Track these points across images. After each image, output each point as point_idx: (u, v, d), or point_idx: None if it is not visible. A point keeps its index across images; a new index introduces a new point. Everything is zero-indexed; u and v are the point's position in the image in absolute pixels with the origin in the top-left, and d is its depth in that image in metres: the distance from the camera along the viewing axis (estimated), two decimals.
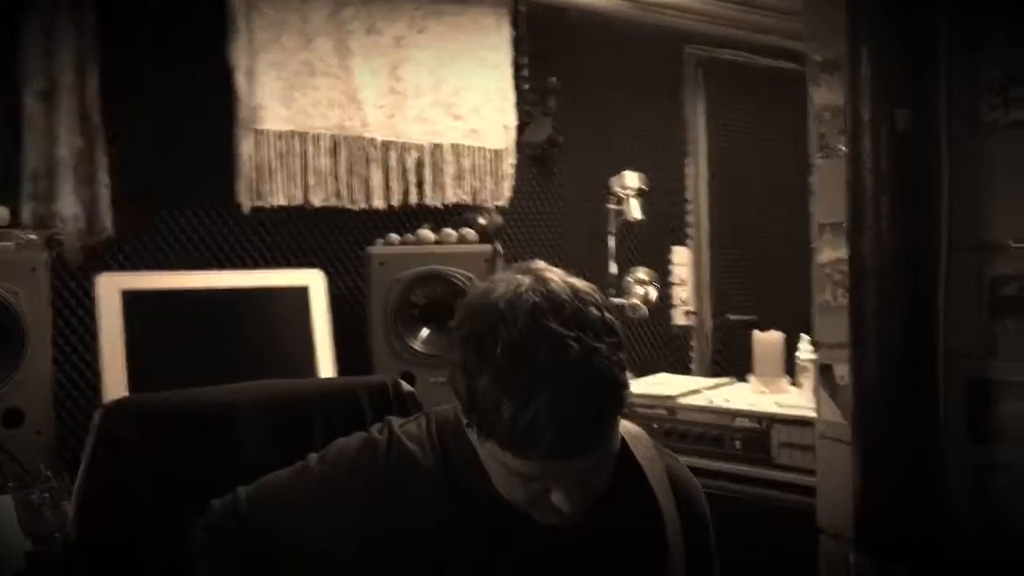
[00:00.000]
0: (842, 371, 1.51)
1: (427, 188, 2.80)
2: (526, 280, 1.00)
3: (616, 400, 0.95)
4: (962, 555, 1.28)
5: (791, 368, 2.48)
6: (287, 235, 2.62)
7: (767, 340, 2.46)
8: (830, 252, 1.51)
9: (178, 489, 1.42)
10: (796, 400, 2.32)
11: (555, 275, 1.03)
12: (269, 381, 2.21)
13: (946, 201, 1.27)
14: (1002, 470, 1.28)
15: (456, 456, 1.15)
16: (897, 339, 1.31)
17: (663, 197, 3.53)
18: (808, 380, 2.36)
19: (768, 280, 3.84)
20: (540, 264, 1.06)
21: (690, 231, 3.83)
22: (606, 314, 0.99)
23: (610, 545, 1.12)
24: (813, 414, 2.16)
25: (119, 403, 1.42)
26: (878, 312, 1.32)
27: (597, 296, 1.02)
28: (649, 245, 3.41)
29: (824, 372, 1.54)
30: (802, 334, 2.37)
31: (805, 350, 2.37)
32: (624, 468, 1.13)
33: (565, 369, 0.91)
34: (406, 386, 1.67)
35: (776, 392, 2.40)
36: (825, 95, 1.49)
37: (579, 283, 1.03)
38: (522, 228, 3.19)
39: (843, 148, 1.42)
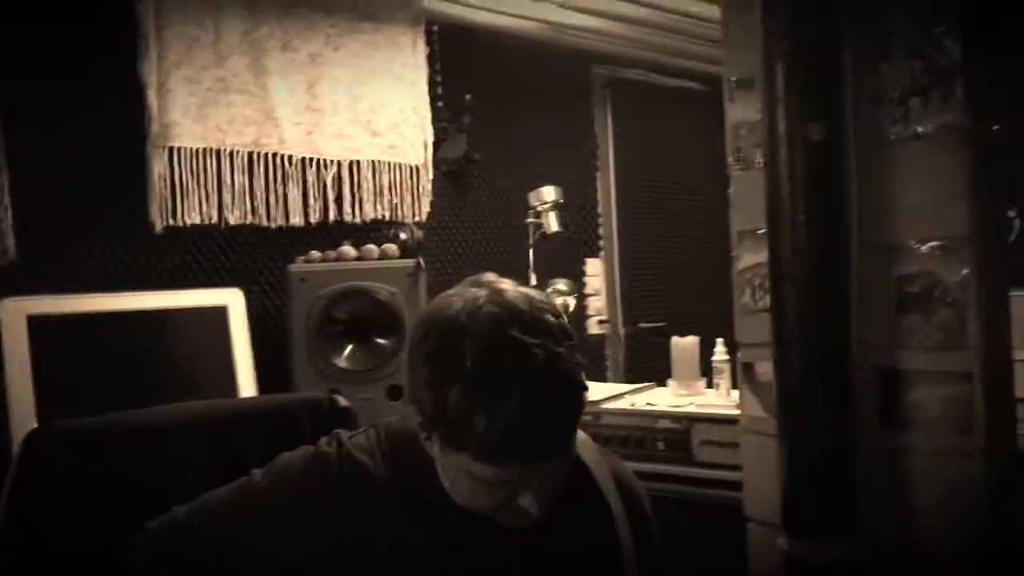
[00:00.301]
0: (763, 368, 1.60)
1: (346, 205, 2.79)
2: (482, 293, 1.03)
3: (580, 401, 0.99)
4: (879, 532, 1.38)
5: (707, 371, 2.59)
6: (203, 254, 2.56)
7: (683, 345, 2.56)
8: (749, 257, 1.61)
9: (109, 514, 1.38)
10: (714, 400, 2.43)
11: (508, 285, 1.06)
12: (203, 401, 2.16)
13: (855, 207, 1.37)
14: (911, 453, 1.38)
15: (408, 466, 1.16)
16: (815, 336, 1.39)
17: (577, 211, 3.63)
18: (724, 381, 2.47)
19: (678, 288, 4.00)
20: (491, 276, 1.09)
21: (602, 243, 3.94)
22: (561, 320, 1.03)
23: (565, 546, 1.15)
24: (730, 412, 2.28)
25: (43, 429, 1.37)
26: (797, 312, 1.40)
27: (550, 303, 1.05)
28: (565, 257, 3.49)
29: (746, 370, 1.63)
30: (717, 338, 2.48)
31: (719, 352, 2.48)
32: (574, 470, 1.17)
33: (532, 375, 0.94)
34: (342, 401, 1.67)
35: (694, 394, 2.50)
36: (740, 111, 1.59)
37: (532, 292, 1.06)
38: (440, 243, 3.21)
39: (759, 160, 1.52)
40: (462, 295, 1.04)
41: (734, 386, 2.47)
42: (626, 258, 3.97)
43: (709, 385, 2.56)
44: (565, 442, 0.99)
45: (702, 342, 2.60)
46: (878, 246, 1.40)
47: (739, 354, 1.65)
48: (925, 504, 1.37)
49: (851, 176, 1.37)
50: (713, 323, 2.80)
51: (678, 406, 2.40)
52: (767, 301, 1.58)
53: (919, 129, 1.32)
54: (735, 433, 2.22)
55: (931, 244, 1.34)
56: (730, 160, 1.62)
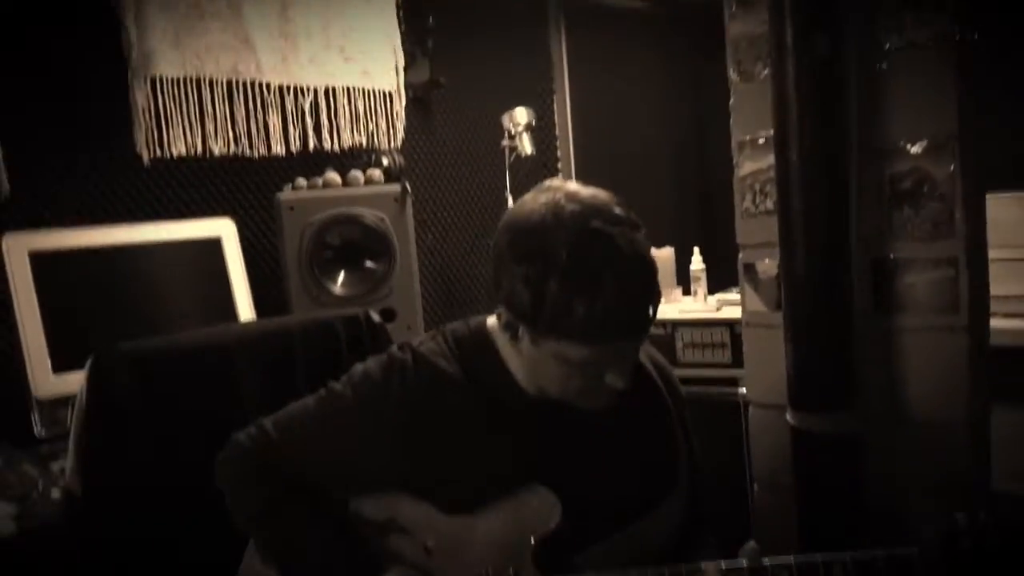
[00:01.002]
0: (763, 267, 1.76)
1: (325, 133, 2.80)
2: (558, 195, 1.13)
3: (657, 279, 1.11)
4: (875, 402, 1.57)
5: (681, 281, 2.76)
6: (193, 186, 2.55)
7: (659, 256, 2.71)
8: (749, 165, 1.74)
9: (176, 430, 1.46)
10: (693, 306, 2.61)
11: (577, 186, 1.16)
12: (251, 320, 2.21)
13: (855, 114, 1.51)
14: (902, 332, 1.57)
15: (480, 366, 1.26)
16: (819, 233, 1.54)
17: (538, 133, 3.70)
18: (701, 288, 2.65)
19: (635, 205, 4.13)
20: (557, 182, 1.19)
21: (560, 164, 4.03)
22: (628, 210, 1.14)
23: (629, 426, 1.28)
24: (711, 315, 2.46)
25: (108, 351, 1.42)
26: (803, 212, 1.54)
27: (614, 197, 1.16)
28: (537, 180, 3.56)
29: (748, 270, 1.79)
30: (694, 248, 2.64)
31: (696, 261, 2.65)
32: None
33: (619, 260, 1.06)
34: (375, 316, 1.76)
35: (673, 302, 2.67)
36: (741, 26, 1.69)
37: (596, 190, 1.17)
38: (411, 170, 3.25)
39: (760, 73, 1.64)
40: (539, 200, 1.14)
41: (710, 292, 2.66)
42: (584, 177, 4.06)
43: (686, 293, 2.73)
44: (650, 317, 1.11)
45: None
46: (874, 149, 1.55)
47: (740, 255, 1.80)
48: (915, 377, 1.57)
49: (851, 85, 1.51)
50: (673, 236, 2.98)
51: (661, 313, 2.56)
52: (767, 205, 1.73)
53: (912, 39, 1.46)
54: (716, 335, 2.42)
55: (921, 143, 1.50)
56: (731, 73, 1.73)
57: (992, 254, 1.59)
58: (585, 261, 1.05)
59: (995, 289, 1.63)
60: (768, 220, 1.72)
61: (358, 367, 1.31)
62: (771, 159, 1.65)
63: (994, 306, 1.64)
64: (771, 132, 1.60)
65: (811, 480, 1.56)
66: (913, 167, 1.52)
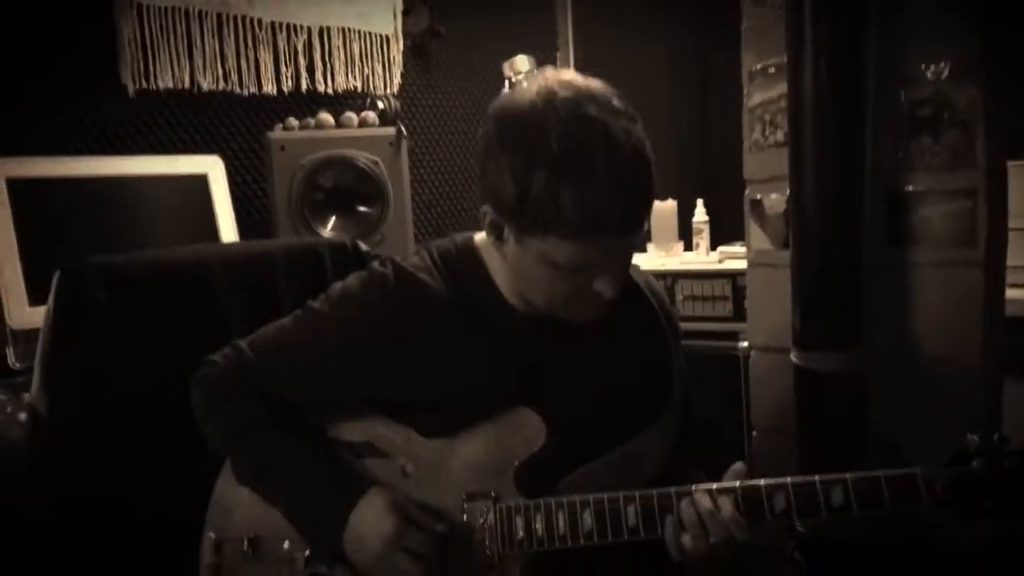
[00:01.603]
0: (771, 203, 1.69)
1: (318, 74, 2.72)
2: (550, 83, 1.05)
3: (653, 174, 1.02)
4: (882, 341, 1.50)
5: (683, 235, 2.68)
6: (179, 121, 2.47)
7: (662, 208, 2.63)
8: (760, 95, 1.66)
9: (149, 349, 1.38)
10: (694, 258, 2.53)
11: (572, 74, 1.08)
12: (233, 242, 2.14)
13: (874, 37, 1.43)
14: (916, 268, 1.50)
15: (465, 280, 1.19)
16: (832, 163, 1.47)
17: None
18: (703, 241, 2.57)
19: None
20: (552, 70, 1.10)
21: None
22: (625, 101, 1.06)
23: (619, 341, 1.21)
24: (713, 267, 2.39)
25: (80, 263, 1.34)
26: (815, 141, 1.46)
27: (611, 88, 1.08)
28: None
29: (754, 207, 1.71)
30: (698, 199, 2.56)
31: (699, 213, 2.57)
32: None
33: (613, 149, 0.98)
34: (363, 245, 1.68)
35: (673, 255, 2.59)
36: None
37: (592, 80, 1.08)
38: (407, 119, 3.16)
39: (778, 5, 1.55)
40: (531, 87, 1.06)
41: (713, 248, 2.58)
42: None
43: (687, 248, 2.65)
44: (643, 214, 1.03)
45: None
46: (892, 74, 1.47)
47: (747, 191, 1.72)
48: (927, 314, 1.49)
49: (870, 14, 1.42)
50: (676, 191, 2.89)
51: (663, 265, 2.49)
52: (778, 136, 1.65)
53: None
54: (717, 287, 2.34)
55: (943, 66, 1.41)
56: (746, 7, 1.65)
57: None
58: (575, 148, 0.98)
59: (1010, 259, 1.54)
60: (777, 153, 1.64)
61: (336, 285, 1.25)
62: (782, 88, 1.57)
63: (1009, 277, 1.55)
64: (784, 59, 1.52)
65: (814, 422, 1.49)
66: (934, 92, 1.44)
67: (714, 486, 1.07)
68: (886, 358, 1.52)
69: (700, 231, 2.56)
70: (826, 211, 1.48)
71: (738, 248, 2.26)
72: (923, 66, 1.43)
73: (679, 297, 2.44)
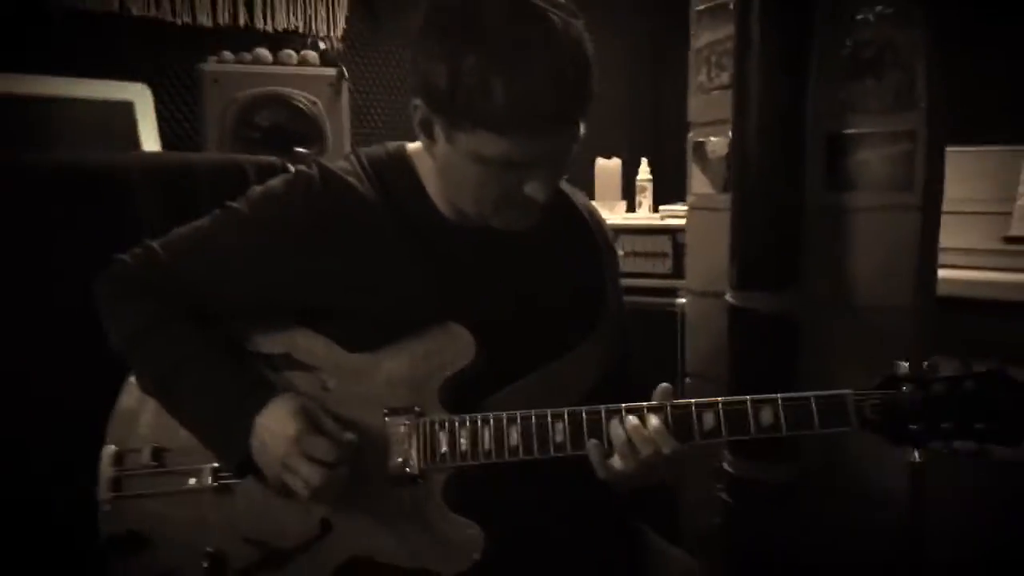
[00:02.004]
0: (713, 146, 1.67)
1: (257, 10, 2.61)
2: None
3: (592, 72, 0.98)
4: (819, 283, 1.50)
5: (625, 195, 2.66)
6: (104, 47, 2.33)
7: (607, 166, 2.61)
8: (707, 35, 1.64)
9: (56, 254, 1.30)
10: (637, 217, 2.51)
11: None
12: (154, 151, 2.03)
13: None
14: (853, 211, 1.49)
15: (396, 188, 1.14)
16: (774, 105, 1.45)
17: None
18: (646, 199, 2.56)
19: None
20: None
21: None
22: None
23: (552, 255, 1.17)
24: (654, 223, 2.38)
25: None
26: (759, 81, 1.45)
27: None
28: None
29: (697, 149, 1.69)
30: (642, 158, 2.54)
31: (643, 172, 2.55)
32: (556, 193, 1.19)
33: (551, 38, 0.93)
34: (292, 168, 1.61)
35: (616, 213, 2.57)
36: None
37: None
38: (349, 64, 3.06)
39: None
40: None
41: (655, 209, 2.57)
42: None
43: (630, 209, 2.64)
44: (579, 110, 0.98)
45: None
46: (837, 17, 1.46)
47: (690, 134, 1.70)
48: (863, 258, 1.49)
49: None
50: (620, 149, 2.86)
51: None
52: (723, 79, 1.63)
53: None
54: (658, 243, 2.33)
55: (886, 8, 1.41)
56: None
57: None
58: (511, 33, 0.93)
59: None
60: (722, 96, 1.62)
61: (255, 187, 1.18)
62: (730, 29, 1.55)
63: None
64: None
65: (747, 364, 1.48)
66: (877, 33, 1.43)
67: (644, 405, 1.04)
68: (822, 300, 1.52)
69: (644, 189, 2.54)
70: (768, 154, 1.46)
71: (680, 207, 2.25)
72: (867, 8, 1.42)
73: (619, 253, 2.41)
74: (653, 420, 1.01)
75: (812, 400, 1.00)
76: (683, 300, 2.15)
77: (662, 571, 1.20)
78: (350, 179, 1.13)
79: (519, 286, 1.15)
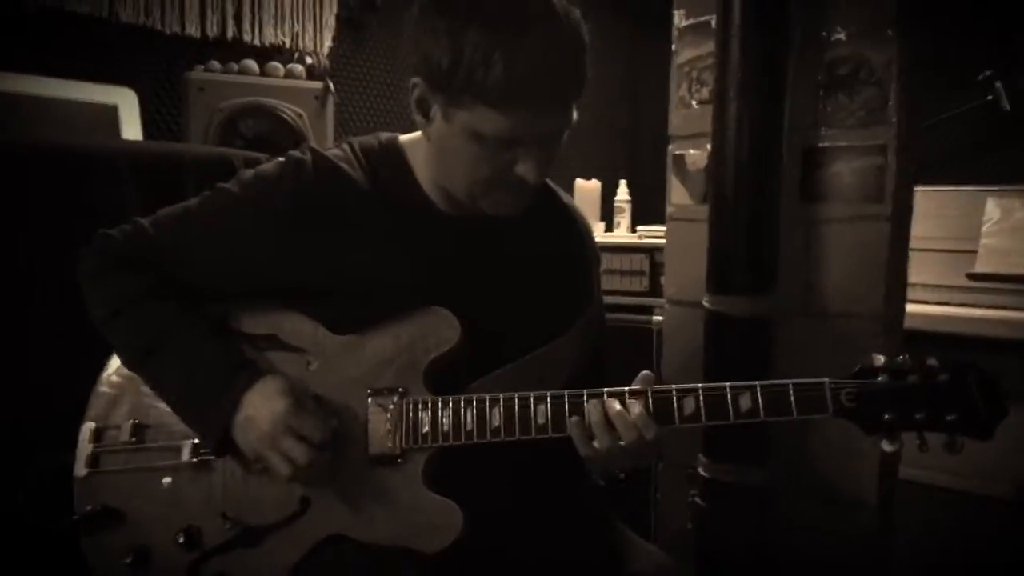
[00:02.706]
0: (692, 159, 1.71)
1: (246, 23, 2.64)
2: None
3: (586, 59, 1.01)
4: (792, 290, 1.54)
5: (604, 216, 2.71)
6: (90, 50, 2.34)
7: (586, 187, 2.65)
8: (689, 52, 1.69)
9: (40, 236, 1.29)
10: (615, 235, 2.55)
11: None
12: (143, 140, 2.03)
13: (798, 2, 1.48)
14: (826, 222, 1.54)
15: (387, 176, 1.16)
16: (752, 120, 1.50)
17: None
18: (624, 220, 2.60)
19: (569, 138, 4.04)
20: None
21: None
22: None
23: (539, 247, 1.20)
24: (632, 241, 2.42)
25: None
26: (738, 96, 1.49)
27: None
28: None
29: (677, 161, 1.73)
30: (621, 180, 2.59)
31: (622, 193, 2.60)
32: (544, 189, 1.22)
33: (550, 20, 0.96)
34: (262, 165, 1.62)
35: (595, 232, 2.60)
36: None
37: None
38: (336, 87, 3.10)
39: None
40: None
41: (632, 229, 2.61)
42: None
43: (608, 230, 2.68)
44: (574, 92, 1.01)
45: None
46: (813, 36, 1.52)
47: (670, 146, 1.74)
48: (835, 267, 1.54)
49: None
50: (600, 173, 2.91)
51: None
52: (703, 94, 1.68)
53: None
54: (635, 262, 2.37)
55: (861, 27, 1.47)
56: None
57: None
58: (513, 10, 0.96)
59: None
60: (701, 111, 1.67)
61: (246, 170, 1.19)
62: (711, 46, 1.60)
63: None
64: (714, 16, 1.56)
65: (722, 365, 1.50)
66: (852, 52, 1.49)
67: (625, 390, 1.06)
68: (795, 306, 1.56)
69: (622, 210, 2.59)
70: (745, 166, 1.50)
71: (658, 228, 2.29)
72: (841, 27, 1.48)
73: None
74: (636, 407, 1.03)
75: (790, 387, 1.03)
76: (659, 318, 2.19)
77: (637, 563, 1.21)
78: (343, 165, 1.15)
79: (506, 276, 1.17)
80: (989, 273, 2.64)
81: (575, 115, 1.04)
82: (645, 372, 1.08)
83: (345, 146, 1.19)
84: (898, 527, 1.64)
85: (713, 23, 1.58)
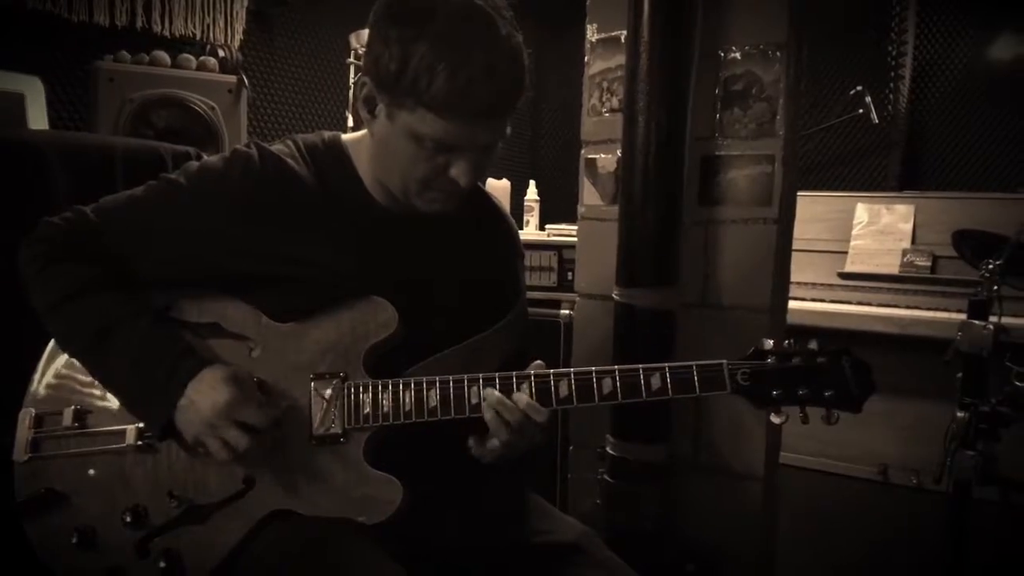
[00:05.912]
0: (603, 162, 1.85)
1: (156, 14, 2.61)
2: None
3: (524, 78, 1.12)
4: (691, 284, 1.70)
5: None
6: None
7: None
8: (600, 63, 1.82)
9: None
10: (525, 233, 2.67)
11: None
12: (73, 132, 1.99)
13: (700, 20, 1.63)
14: (721, 223, 1.70)
15: (330, 171, 1.23)
16: (658, 128, 1.63)
17: None
18: (534, 218, 2.72)
19: None
20: None
21: None
22: (512, 16, 1.14)
23: (472, 243, 1.29)
24: (543, 238, 2.54)
25: None
26: (646, 108, 1.63)
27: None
28: None
29: (588, 165, 1.86)
30: (530, 180, 2.71)
31: (532, 192, 2.72)
32: (477, 192, 1.32)
33: (493, 40, 1.06)
34: (207, 158, 1.65)
35: None
36: None
37: None
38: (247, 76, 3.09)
39: None
40: None
41: (541, 227, 2.74)
42: None
43: (518, 226, 2.79)
44: (509, 106, 1.11)
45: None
46: (712, 54, 1.68)
47: (583, 151, 1.87)
48: (728, 264, 1.70)
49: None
50: (509, 172, 3.03)
51: None
52: (612, 103, 1.81)
53: None
54: (544, 259, 2.49)
55: (755, 48, 1.64)
56: None
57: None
58: (459, 30, 1.05)
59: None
60: (611, 118, 1.80)
61: (191, 163, 1.23)
62: (621, 59, 1.74)
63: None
64: (624, 32, 1.69)
65: (629, 351, 1.64)
66: (745, 70, 1.66)
67: (551, 373, 1.16)
68: (694, 298, 1.71)
69: (531, 209, 2.71)
70: (651, 170, 1.64)
71: (566, 227, 2.43)
72: (736, 46, 1.65)
73: None
74: (523, 396, 1.13)
75: (694, 368, 1.16)
76: (567, 311, 2.32)
77: (559, 533, 1.32)
78: (287, 160, 1.20)
79: (440, 269, 1.26)
80: (858, 272, 2.93)
81: (509, 129, 1.15)
82: (538, 362, 1.18)
83: (289, 143, 1.25)
84: (782, 503, 1.83)
85: (623, 38, 1.72)
